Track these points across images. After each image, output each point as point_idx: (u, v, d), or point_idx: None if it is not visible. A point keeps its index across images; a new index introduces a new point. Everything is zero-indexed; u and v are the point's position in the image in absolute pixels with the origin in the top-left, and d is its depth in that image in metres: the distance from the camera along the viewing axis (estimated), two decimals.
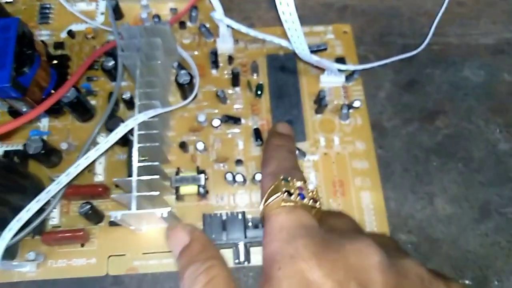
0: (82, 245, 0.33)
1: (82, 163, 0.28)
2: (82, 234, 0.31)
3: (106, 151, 0.31)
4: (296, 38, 0.27)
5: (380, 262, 0.21)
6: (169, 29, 0.33)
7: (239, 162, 0.35)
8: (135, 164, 0.28)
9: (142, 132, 0.29)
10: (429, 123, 0.38)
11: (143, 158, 0.29)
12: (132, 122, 0.29)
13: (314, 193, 0.25)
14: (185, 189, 0.32)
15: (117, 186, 0.34)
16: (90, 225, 0.33)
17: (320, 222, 0.24)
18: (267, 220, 0.24)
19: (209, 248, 0.24)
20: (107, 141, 0.29)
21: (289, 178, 0.25)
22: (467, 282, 0.33)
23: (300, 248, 0.21)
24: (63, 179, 0.28)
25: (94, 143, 0.34)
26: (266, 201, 0.24)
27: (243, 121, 0.36)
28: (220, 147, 0.35)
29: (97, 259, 0.32)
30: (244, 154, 0.35)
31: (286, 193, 0.24)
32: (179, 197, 0.33)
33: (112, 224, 0.33)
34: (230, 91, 0.37)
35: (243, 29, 0.36)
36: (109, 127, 0.33)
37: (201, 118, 0.35)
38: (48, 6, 0.41)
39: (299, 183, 0.25)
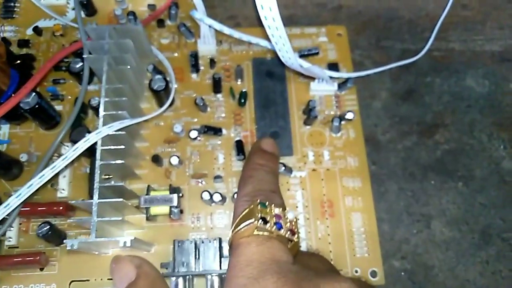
0: (41, 269, 0.30)
1: (35, 182, 0.25)
2: (39, 259, 0.28)
3: (72, 162, 0.28)
4: (281, 45, 0.23)
5: None
6: (142, 30, 0.30)
7: (218, 177, 0.31)
8: (96, 185, 0.25)
9: (106, 147, 0.26)
10: (428, 137, 0.35)
11: (107, 177, 0.26)
12: (94, 136, 0.25)
13: (293, 223, 0.22)
14: (155, 210, 0.29)
15: None
16: (50, 246, 0.30)
17: (295, 259, 0.21)
18: (235, 248, 0.21)
19: (158, 283, 0.21)
20: (65, 157, 0.25)
21: (266, 203, 0.22)
22: None
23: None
24: (13, 200, 0.25)
25: (59, 154, 0.31)
26: (237, 226, 0.21)
27: (224, 131, 0.33)
28: (198, 161, 0.32)
29: (57, 285, 0.29)
30: (225, 169, 0.32)
31: (261, 220, 0.21)
32: (149, 218, 0.29)
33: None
34: (211, 98, 0.34)
35: (226, 30, 0.33)
36: (73, 138, 0.30)
37: (177, 128, 0.31)
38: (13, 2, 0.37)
39: (277, 210, 0.22)
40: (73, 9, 0.37)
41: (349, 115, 0.32)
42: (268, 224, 0.21)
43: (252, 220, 0.21)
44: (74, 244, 0.24)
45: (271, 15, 0.21)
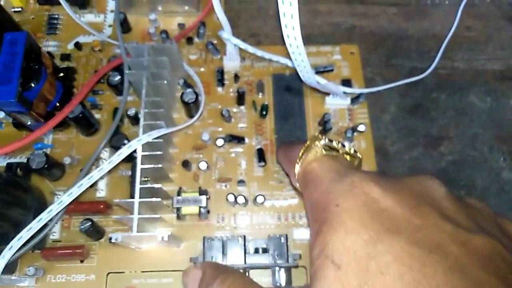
0: (82, 261, 0.33)
1: (85, 183, 0.28)
2: (81, 251, 0.31)
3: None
4: (300, 61, 0.27)
5: (447, 192, 0.20)
6: (176, 48, 0.33)
7: (241, 182, 0.35)
8: (138, 186, 0.28)
9: (146, 153, 0.29)
10: (433, 149, 0.38)
11: (145, 179, 0.29)
12: (136, 143, 0.29)
13: (351, 145, 0.24)
14: (186, 210, 0.32)
15: None
16: (90, 241, 0.33)
17: None
18: (308, 172, 0.22)
19: (220, 267, 0.24)
20: (110, 161, 0.29)
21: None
22: None
23: (357, 181, 0.20)
24: (65, 199, 0.28)
25: (98, 159, 0.34)
26: (302, 156, 0.23)
27: (246, 140, 0.36)
28: (223, 166, 0.35)
29: (96, 276, 0.32)
30: (247, 174, 0.35)
31: (327, 139, 0.22)
32: (180, 217, 0.33)
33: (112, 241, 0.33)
34: (235, 110, 0.37)
35: (250, 49, 0.36)
36: (113, 144, 0.33)
37: (205, 137, 0.35)
38: (56, 16, 0.41)
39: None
40: (110, 26, 0.41)
41: (361, 127, 0.35)
42: (334, 142, 0.22)
43: (317, 142, 0.22)
44: (118, 238, 0.27)
45: (293, 34, 0.24)
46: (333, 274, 0.18)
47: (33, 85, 0.32)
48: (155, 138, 0.30)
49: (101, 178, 0.34)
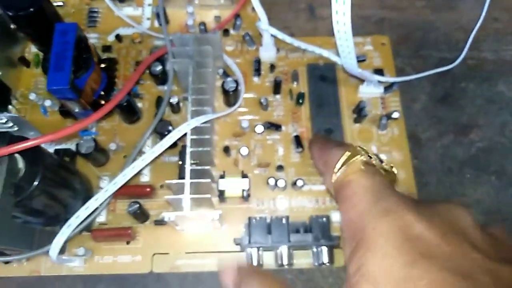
0: (128, 243, 0.34)
1: (138, 165, 0.30)
2: (129, 232, 0.33)
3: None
4: (347, 53, 0.28)
5: (474, 221, 0.21)
6: (219, 38, 0.35)
7: (279, 167, 0.36)
8: (188, 167, 0.29)
9: (194, 137, 0.31)
10: (463, 136, 0.39)
11: (194, 162, 0.31)
12: (185, 127, 0.30)
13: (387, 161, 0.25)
14: (229, 193, 0.33)
15: (161, 186, 0.35)
16: (135, 223, 0.34)
17: None
18: (345, 186, 0.23)
19: (255, 268, 0.25)
20: (161, 144, 0.30)
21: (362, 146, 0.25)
22: None
23: (393, 206, 0.21)
24: (111, 187, 0.29)
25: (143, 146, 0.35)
26: (339, 169, 0.24)
27: (283, 128, 0.37)
28: (261, 152, 0.37)
29: (142, 257, 0.34)
30: (284, 160, 0.36)
31: (367, 155, 0.23)
32: (222, 199, 0.34)
33: (157, 223, 0.34)
34: (270, 98, 0.39)
35: (288, 39, 0.38)
36: (158, 130, 0.34)
37: (245, 124, 0.36)
38: (96, 10, 0.42)
39: (371, 152, 0.25)
40: (148, 19, 0.42)
41: (395, 114, 0.36)
42: (373, 158, 0.24)
43: (358, 156, 0.23)
44: (171, 217, 0.29)
45: (344, 29, 0.25)
46: None
47: (82, 73, 0.33)
48: (202, 123, 0.31)
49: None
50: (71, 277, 0.34)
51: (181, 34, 0.34)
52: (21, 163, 0.27)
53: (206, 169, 0.30)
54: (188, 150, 0.30)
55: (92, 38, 0.41)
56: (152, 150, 0.30)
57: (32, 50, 0.41)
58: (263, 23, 0.37)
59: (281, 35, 0.37)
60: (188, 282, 0.34)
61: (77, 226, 0.30)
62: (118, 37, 0.41)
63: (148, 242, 0.34)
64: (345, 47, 0.27)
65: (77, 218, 0.29)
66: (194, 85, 0.32)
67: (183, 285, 0.34)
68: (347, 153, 0.24)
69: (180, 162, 0.34)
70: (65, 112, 0.37)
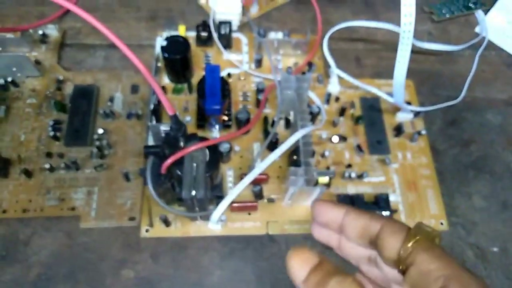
0: (249, 214, 0.50)
1: (272, 156, 0.46)
2: (256, 205, 0.49)
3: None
4: (399, 92, 0.46)
5: None
6: (311, 77, 0.52)
7: (348, 166, 0.53)
8: (303, 160, 0.46)
9: (304, 140, 0.47)
10: (466, 148, 0.57)
11: (296, 158, 0.47)
12: (299, 134, 0.47)
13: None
14: (322, 179, 0.50)
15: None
16: (254, 200, 0.50)
17: None
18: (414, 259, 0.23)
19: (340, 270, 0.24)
20: (288, 141, 0.46)
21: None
22: None
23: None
24: (257, 170, 0.45)
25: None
26: (406, 243, 0.23)
27: (348, 139, 0.55)
28: (333, 155, 0.54)
29: (261, 223, 0.49)
30: (350, 161, 0.54)
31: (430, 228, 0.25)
32: (314, 184, 0.51)
33: (270, 200, 0.50)
34: (337, 119, 0.56)
35: (352, 80, 0.56)
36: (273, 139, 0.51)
37: (324, 135, 0.53)
38: (209, 55, 0.59)
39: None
40: (246, 62, 0.59)
41: (423, 132, 0.55)
42: (431, 229, 0.25)
43: (428, 229, 0.24)
44: (297, 185, 0.45)
45: (408, 28, 0.44)
46: None
47: (224, 99, 0.50)
48: (307, 132, 0.48)
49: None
50: (211, 237, 0.49)
51: (287, 74, 0.51)
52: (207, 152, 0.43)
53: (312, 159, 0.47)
54: (302, 148, 0.47)
55: None
56: (283, 145, 0.46)
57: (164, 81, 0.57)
58: (333, 67, 0.55)
59: (347, 77, 0.56)
60: (292, 240, 0.50)
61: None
62: (229, 75, 0.58)
63: (264, 213, 0.50)
64: (397, 87, 0.45)
65: (237, 190, 0.45)
66: (300, 108, 0.49)
67: (288, 243, 0.50)
68: (413, 228, 0.25)
69: (295, 157, 0.50)
70: (200, 126, 0.54)
